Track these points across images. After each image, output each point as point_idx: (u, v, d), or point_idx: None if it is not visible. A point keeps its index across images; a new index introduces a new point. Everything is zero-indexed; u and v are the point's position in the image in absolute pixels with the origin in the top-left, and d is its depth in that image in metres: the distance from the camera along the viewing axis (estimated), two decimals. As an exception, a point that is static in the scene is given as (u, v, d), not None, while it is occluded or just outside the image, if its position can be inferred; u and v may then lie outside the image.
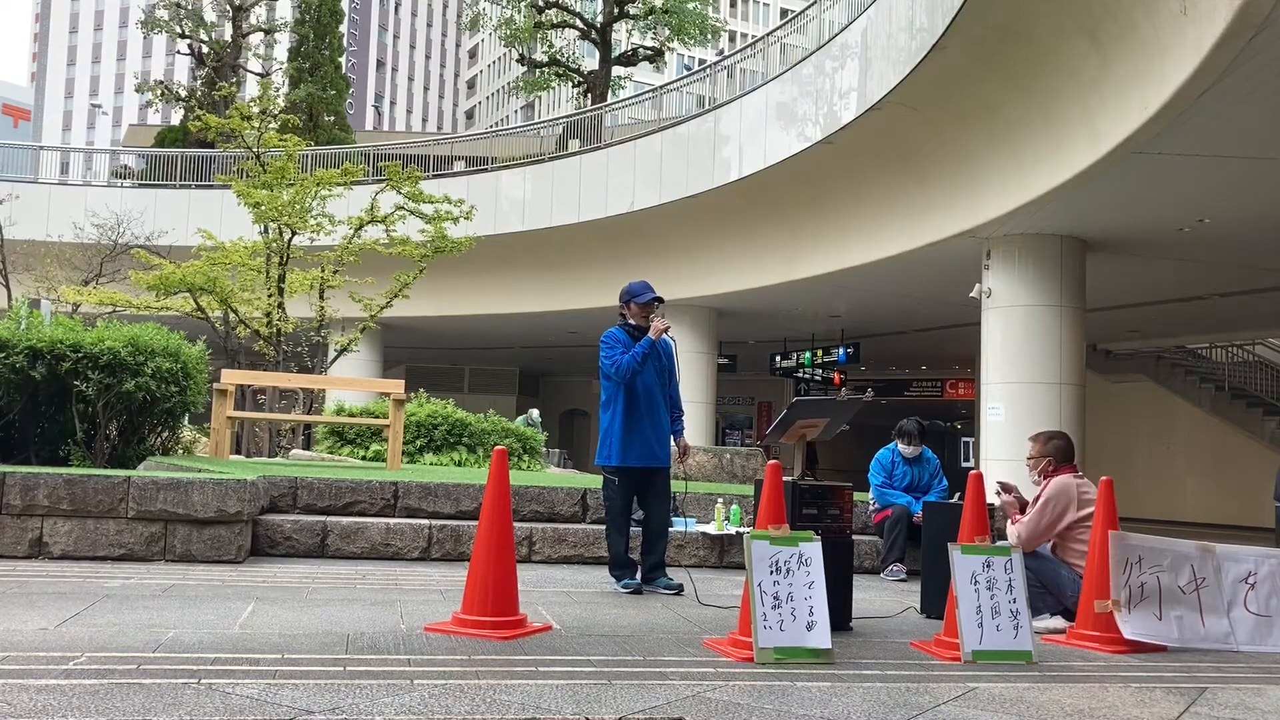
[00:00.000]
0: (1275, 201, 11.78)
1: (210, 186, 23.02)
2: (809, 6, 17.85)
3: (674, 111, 22.37)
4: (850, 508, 5.30)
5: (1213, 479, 21.64)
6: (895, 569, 7.41)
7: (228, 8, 34.94)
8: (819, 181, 16.64)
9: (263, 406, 15.56)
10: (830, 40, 15.76)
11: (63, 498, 6.07)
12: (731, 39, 70.60)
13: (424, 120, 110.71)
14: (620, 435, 5.99)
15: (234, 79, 33.38)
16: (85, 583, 5.28)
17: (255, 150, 16.14)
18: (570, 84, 35.54)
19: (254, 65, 36.49)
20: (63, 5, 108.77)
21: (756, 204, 18.21)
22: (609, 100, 30.77)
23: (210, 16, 34.95)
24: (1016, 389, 13.66)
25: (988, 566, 4.55)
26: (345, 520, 6.98)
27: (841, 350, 23.40)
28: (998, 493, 5.84)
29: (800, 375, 24.66)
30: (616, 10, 31.83)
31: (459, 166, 24.57)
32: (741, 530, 7.41)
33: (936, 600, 5.28)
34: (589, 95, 32.42)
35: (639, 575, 6.03)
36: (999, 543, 4.91)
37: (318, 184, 15.61)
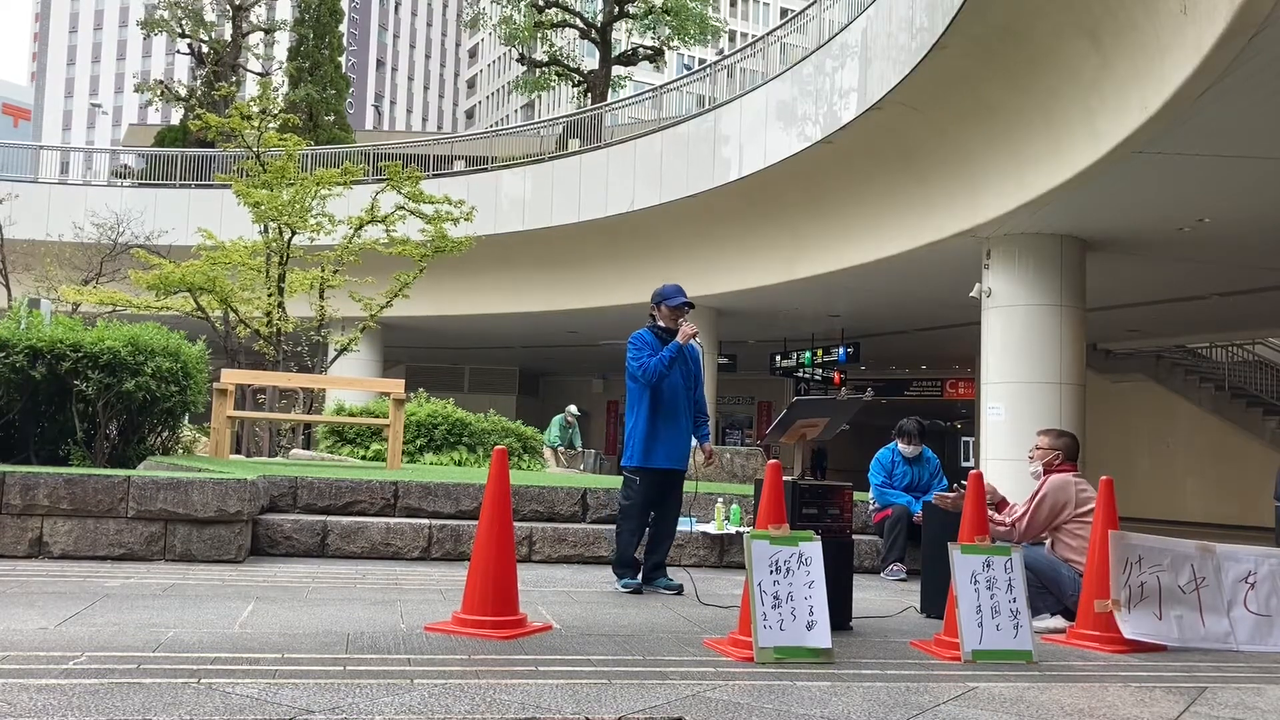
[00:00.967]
0: (1276, 201, 11.77)
1: (210, 186, 22.99)
2: (809, 6, 17.85)
3: (674, 111, 22.37)
4: (850, 507, 5.30)
5: (1213, 478, 21.64)
6: (895, 568, 7.41)
7: (227, 7, 34.95)
8: (819, 181, 16.64)
9: (263, 406, 15.55)
10: (830, 40, 15.76)
11: (63, 497, 6.07)
12: (731, 38, 70.60)
13: (424, 120, 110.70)
14: (645, 437, 6.02)
15: (234, 78, 33.40)
16: (85, 582, 5.28)
17: (255, 150, 16.14)
18: (570, 83, 35.54)
19: (254, 65, 36.51)
20: (63, 5, 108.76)
21: (756, 204, 18.21)
22: (609, 100, 30.77)
23: (210, 16, 34.93)
24: (1017, 389, 13.65)
25: (988, 566, 4.55)
26: (345, 520, 6.99)
27: (841, 350, 23.38)
28: (954, 488, 5.89)
29: (800, 375, 24.65)
30: (616, 10, 31.82)
31: (459, 166, 24.56)
32: (741, 530, 7.41)
33: (936, 600, 5.29)
34: (589, 95, 32.42)
35: (640, 575, 6.04)
36: (998, 543, 4.91)
37: (318, 183, 15.61)
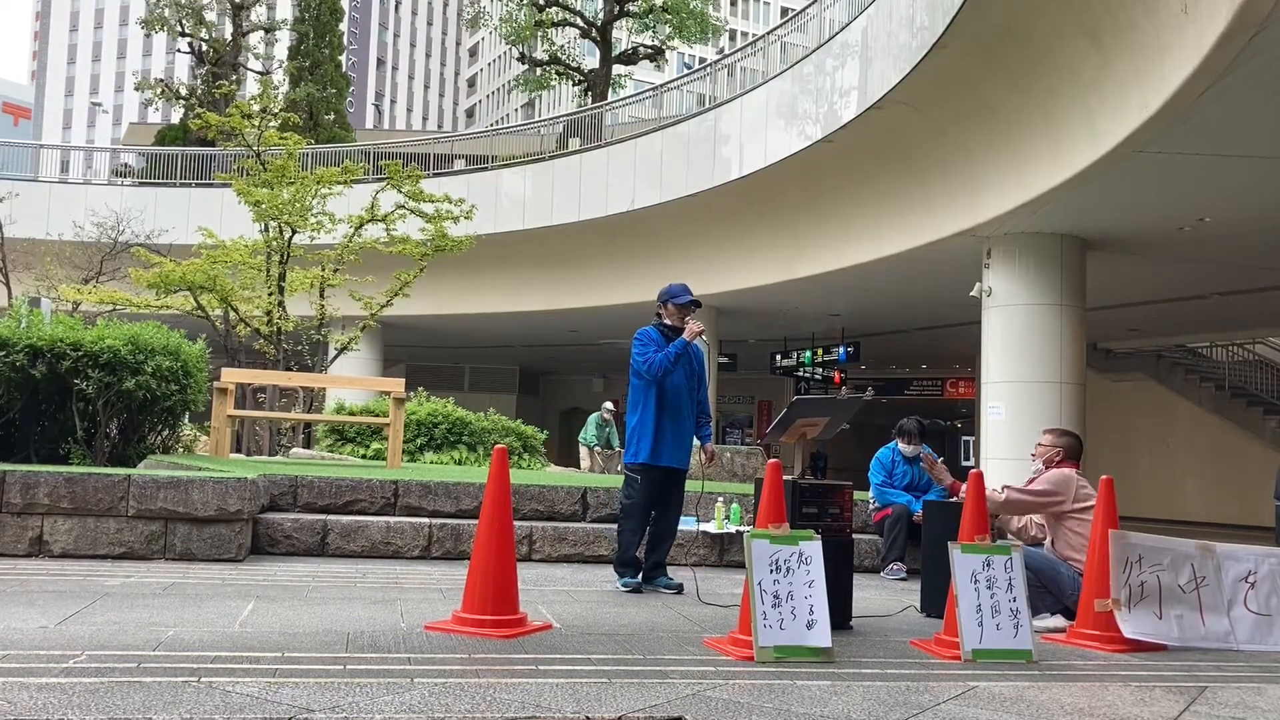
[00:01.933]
0: (1276, 201, 11.77)
1: (210, 185, 22.99)
2: (809, 5, 17.84)
3: (674, 110, 22.37)
4: (850, 507, 5.30)
5: (1213, 478, 21.64)
6: (895, 568, 7.41)
7: (228, 6, 34.93)
8: (819, 180, 16.64)
9: (263, 405, 15.56)
10: (831, 39, 15.76)
11: (63, 496, 6.07)
12: (732, 37, 70.59)
13: (424, 119, 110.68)
14: (648, 435, 6.02)
15: (234, 77, 33.38)
16: (85, 581, 5.28)
17: (255, 149, 16.14)
18: (571, 82, 35.53)
19: (254, 64, 36.50)
20: (63, 3, 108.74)
21: (757, 203, 18.20)
22: (609, 99, 30.76)
23: (210, 15, 34.92)
24: (1017, 388, 13.66)
25: (988, 565, 4.55)
26: (345, 519, 6.99)
27: (842, 349, 23.38)
28: (931, 453, 5.92)
29: (800, 374, 24.65)
30: (617, 9, 31.81)
31: (459, 165, 24.57)
32: (741, 529, 7.41)
33: (936, 599, 5.29)
34: (589, 94, 32.41)
35: (640, 574, 6.04)
36: (999, 541, 4.91)
37: (318, 182, 15.61)
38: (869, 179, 15.76)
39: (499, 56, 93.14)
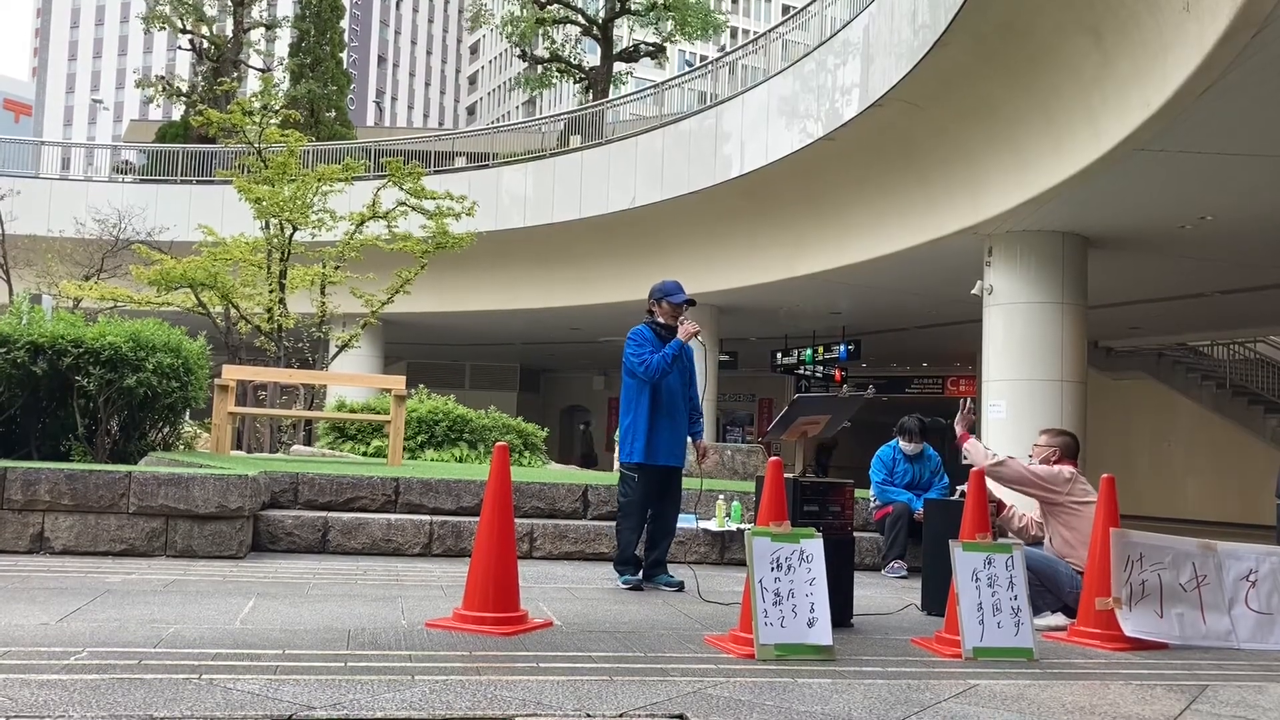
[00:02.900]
0: (1278, 199, 11.76)
1: (211, 182, 22.97)
2: (811, 3, 17.82)
3: (675, 108, 22.35)
4: (851, 505, 5.31)
5: (1214, 476, 21.63)
6: (896, 566, 7.42)
7: (229, 3, 34.92)
8: (820, 178, 16.62)
9: (264, 402, 15.55)
10: (832, 36, 15.74)
11: (64, 493, 6.08)
12: (733, 35, 70.54)
13: (425, 116, 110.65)
14: (643, 434, 6.01)
15: (235, 74, 33.37)
16: (86, 578, 5.28)
17: (256, 146, 16.14)
18: (572, 80, 35.51)
19: (255, 61, 36.50)
20: (64, 0, 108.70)
21: (758, 201, 18.19)
22: (610, 96, 30.74)
23: (211, 11, 34.90)
24: (1018, 386, 13.65)
25: (989, 564, 4.55)
26: (346, 516, 6.99)
27: (842, 347, 23.36)
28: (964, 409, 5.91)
29: (801, 372, 24.63)
30: (618, 6, 31.80)
31: (460, 162, 24.55)
32: (742, 527, 7.41)
33: (937, 597, 5.29)
34: (590, 91, 32.40)
35: (640, 572, 6.04)
36: (1000, 540, 4.91)
37: (319, 180, 15.61)
38: (870, 177, 15.75)
39: (500, 54, 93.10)
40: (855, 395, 6.01)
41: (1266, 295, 17.08)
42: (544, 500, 7.57)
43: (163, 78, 36.53)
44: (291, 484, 7.25)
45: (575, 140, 23.33)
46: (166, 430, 9.50)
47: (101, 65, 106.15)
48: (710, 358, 6.11)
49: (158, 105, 39.89)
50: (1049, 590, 5.42)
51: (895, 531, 7.50)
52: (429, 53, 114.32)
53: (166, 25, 33.58)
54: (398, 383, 10.54)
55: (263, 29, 37.32)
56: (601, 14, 32.53)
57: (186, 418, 10.28)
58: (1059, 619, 5.33)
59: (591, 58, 34.20)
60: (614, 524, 6.47)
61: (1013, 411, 13.50)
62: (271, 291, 15.32)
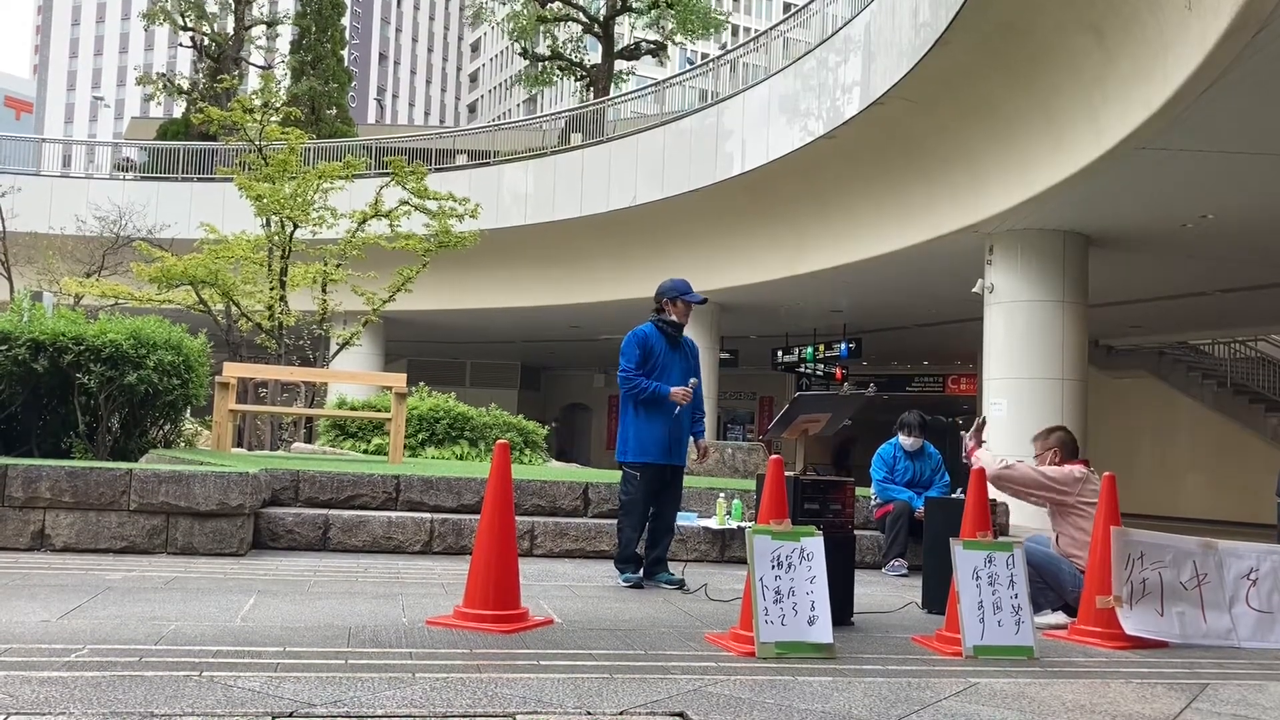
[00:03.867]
0: (1278, 198, 11.75)
1: (212, 179, 22.97)
2: (812, 0, 17.81)
3: (676, 106, 22.34)
4: (852, 503, 5.31)
5: (1214, 475, 21.61)
6: (897, 564, 7.42)
7: (230, 0, 34.91)
8: (821, 176, 16.62)
9: (264, 400, 15.57)
10: (833, 34, 15.73)
11: (65, 490, 6.08)
12: (734, 33, 70.49)
13: (426, 114, 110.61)
14: (644, 432, 6.00)
15: (236, 72, 33.37)
16: (87, 575, 5.28)
17: (257, 143, 16.14)
18: (573, 78, 35.50)
19: (256, 58, 36.48)
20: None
21: (759, 199, 18.19)
22: (611, 94, 30.72)
23: (212, 9, 34.90)
24: (1019, 384, 13.65)
25: (989, 562, 4.55)
26: (347, 514, 6.99)
27: (843, 345, 23.36)
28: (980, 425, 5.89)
29: (802, 370, 24.64)
30: (619, 4, 31.78)
31: (461, 160, 24.55)
32: (743, 525, 7.41)
33: (938, 595, 5.29)
34: (591, 89, 32.39)
35: (641, 570, 6.04)
36: (1000, 538, 4.91)
37: (320, 177, 15.61)
38: (871, 175, 15.74)
39: (501, 52, 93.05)
40: (856, 393, 6.01)
41: (1267, 294, 17.07)
42: (545, 498, 7.57)
43: (164, 75, 36.52)
44: (292, 481, 7.25)
45: (576, 138, 23.33)
46: (167, 427, 9.51)
47: (103, 63, 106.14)
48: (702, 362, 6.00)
49: (159, 103, 39.85)
50: (1051, 588, 5.42)
51: (896, 530, 7.49)
52: (430, 50, 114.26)
53: (168, 22, 33.58)
54: (398, 380, 10.55)
55: (264, 26, 37.31)
56: (602, 12, 32.52)
57: (187, 415, 10.29)
58: (1060, 617, 5.33)
59: (592, 55, 34.20)
60: (614, 522, 6.47)
61: (1013, 410, 13.50)
62: (272, 289, 15.32)
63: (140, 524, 6.15)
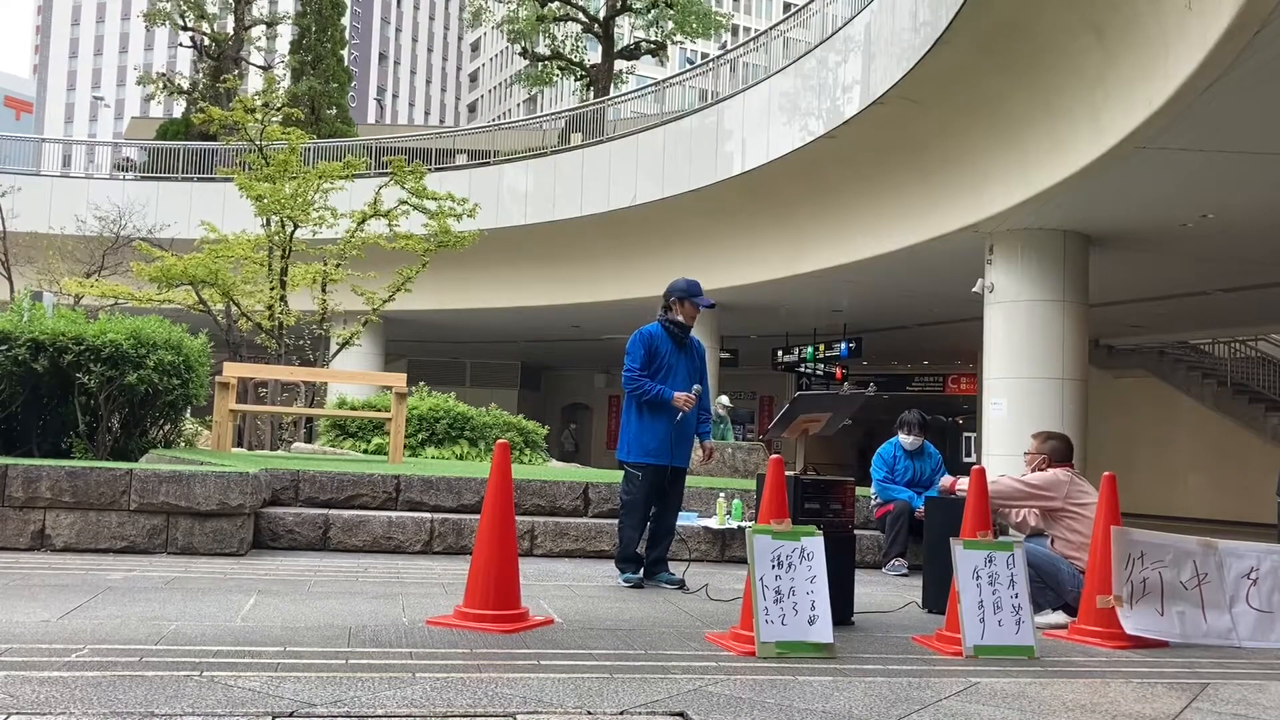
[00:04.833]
0: (1279, 197, 11.75)
1: (212, 179, 22.97)
2: (811, 0, 17.81)
3: (676, 105, 22.33)
4: (852, 502, 5.30)
5: (1215, 474, 21.62)
6: (897, 564, 7.42)
7: (230, 0, 34.92)
8: (822, 176, 16.61)
9: (264, 399, 15.57)
10: (833, 34, 15.72)
11: (65, 490, 6.08)
12: (734, 33, 70.50)
13: (426, 114, 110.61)
14: (648, 432, 5.98)
15: (236, 71, 33.37)
16: (87, 575, 5.28)
17: (258, 143, 16.14)
18: (573, 78, 35.51)
19: (256, 58, 36.48)
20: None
21: (759, 198, 18.18)
22: (611, 94, 30.73)
23: (212, 8, 34.91)
24: (1019, 384, 13.64)
25: (990, 561, 4.55)
26: (347, 513, 6.99)
27: (843, 345, 23.34)
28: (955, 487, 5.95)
29: (802, 370, 24.63)
30: (619, 4, 31.78)
31: (461, 160, 24.55)
32: (743, 525, 7.41)
33: (938, 595, 5.29)
34: (591, 89, 32.39)
35: (641, 570, 6.04)
36: (1000, 538, 4.91)
37: (320, 177, 15.61)
38: (872, 175, 15.74)
39: (501, 51, 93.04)
40: (856, 393, 6.00)
41: (1268, 293, 17.07)
42: (545, 498, 7.57)
43: (164, 75, 36.53)
44: (292, 481, 7.25)
45: (576, 138, 23.32)
46: (167, 427, 9.50)
47: (102, 62, 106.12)
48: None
49: (159, 102, 39.90)
50: (1050, 588, 5.42)
51: (896, 529, 7.49)
52: (430, 50, 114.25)
53: (168, 22, 33.58)
54: (398, 380, 10.55)
55: (264, 26, 37.30)
56: (602, 11, 32.52)
57: (187, 415, 10.29)
58: (1060, 617, 5.33)
59: (592, 55, 34.20)
60: (614, 522, 6.47)
61: (1014, 410, 13.50)
62: (272, 289, 15.32)
63: (140, 524, 6.16)
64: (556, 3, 32.12)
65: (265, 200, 15.14)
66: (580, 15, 32.61)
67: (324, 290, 16.09)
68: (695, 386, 6.02)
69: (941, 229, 14.65)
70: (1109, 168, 10.96)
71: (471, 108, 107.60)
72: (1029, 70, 11.36)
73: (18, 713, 2.82)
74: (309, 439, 14.66)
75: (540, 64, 33.98)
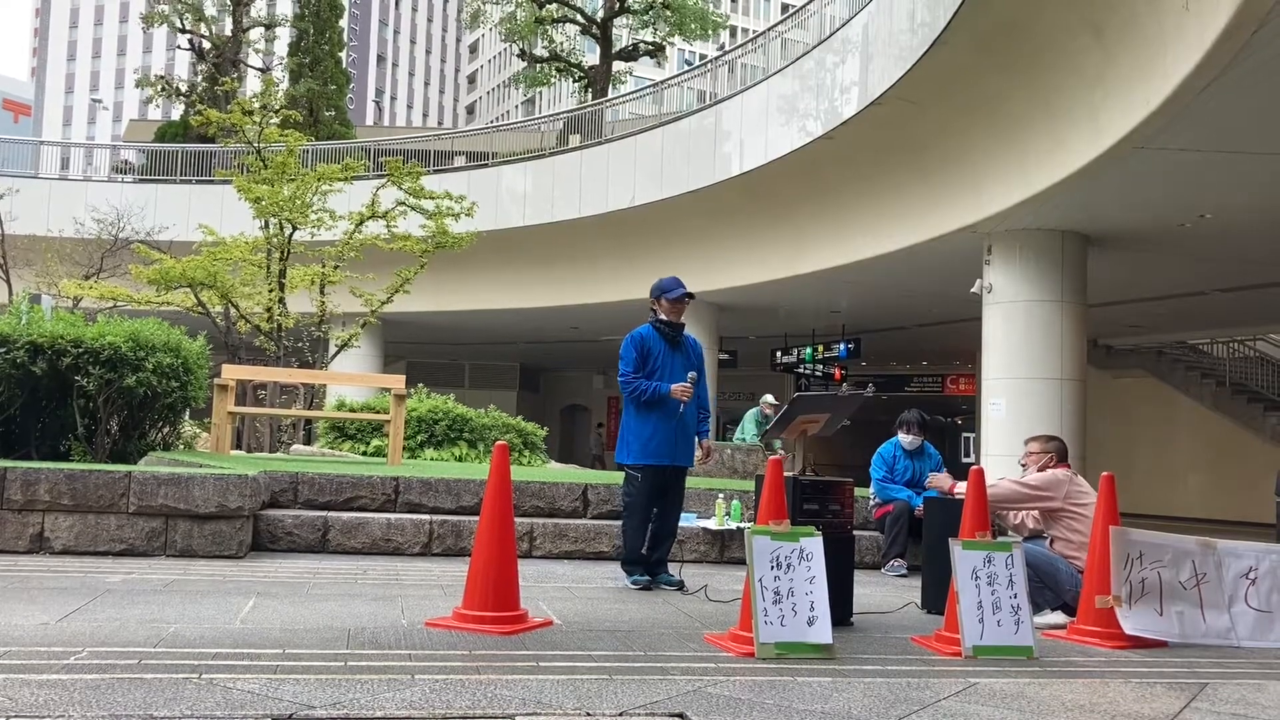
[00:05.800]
0: (1278, 197, 11.76)
1: (211, 182, 22.96)
2: (810, 1, 17.81)
3: (675, 107, 22.34)
4: (851, 503, 5.30)
5: (1213, 474, 21.63)
6: (896, 564, 7.42)
7: (228, 2, 34.91)
8: (820, 177, 16.62)
9: (263, 402, 15.55)
10: (832, 35, 15.73)
11: (64, 493, 6.07)
12: (732, 34, 70.52)
13: (424, 115, 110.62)
14: (648, 433, 5.97)
15: (234, 74, 33.36)
16: (86, 578, 5.28)
17: (256, 145, 16.13)
18: (571, 79, 35.51)
19: (254, 60, 36.49)
20: (63, 0, 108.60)
21: (757, 199, 18.19)
22: (610, 95, 30.73)
23: (211, 10, 34.91)
24: (1017, 384, 13.65)
25: (989, 562, 4.55)
26: (346, 515, 6.99)
27: (842, 345, 23.36)
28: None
29: (801, 371, 24.64)
30: (617, 5, 31.79)
31: (460, 161, 24.55)
32: (742, 525, 7.41)
33: (937, 595, 5.29)
34: (590, 90, 32.40)
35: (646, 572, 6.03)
36: (999, 538, 4.91)
37: (318, 179, 15.61)
38: (870, 175, 15.75)
39: (499, 53, 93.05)
40: (854, 393, 6.00)
41: (1266, 293, 17.08)
42: (544, 499, 7.57)
43: (162, 77, 36.51)
44: (291, 483, 7.25)
45: (574, 139, 23.33)
46: (166, 430, 9.50)
47: (101, 65, 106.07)
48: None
49: (157, 105, 39.88)
50: (1049, 588, 5.42)
51: (895, 530, 7.49)
52: (428, 52, 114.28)
53: (166, 25, 33.57)
54: (397, 382, 10.54)
55: (262, 28, 37.31)
56: (600, 13, 32.53)
57: (186, 417, 10.28)
58: (1059, 617, 5.33)
59: (591, 57, 34.20)
60: (613, 523, 6.47)
61: (1012, 410, 13.51)
62: (271, 291, 15.31)
63: (139, 526, 6.15)
64: (554, 4, 32.12)
65: (263, 202, 15.14)
66: (578, 17, 32.62)
67: (322, 292, 16.08)
68: (690, 374, 6.01)
69: (940, 229, 14.66)
70: (1108, 168, 10.97)
71: (470, 109, 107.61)
72: (1028, 70, 11.36)
73: (16, 715, 2.82)
74: (308, 441, 14.64)
75: (538, 66, 33.98)
